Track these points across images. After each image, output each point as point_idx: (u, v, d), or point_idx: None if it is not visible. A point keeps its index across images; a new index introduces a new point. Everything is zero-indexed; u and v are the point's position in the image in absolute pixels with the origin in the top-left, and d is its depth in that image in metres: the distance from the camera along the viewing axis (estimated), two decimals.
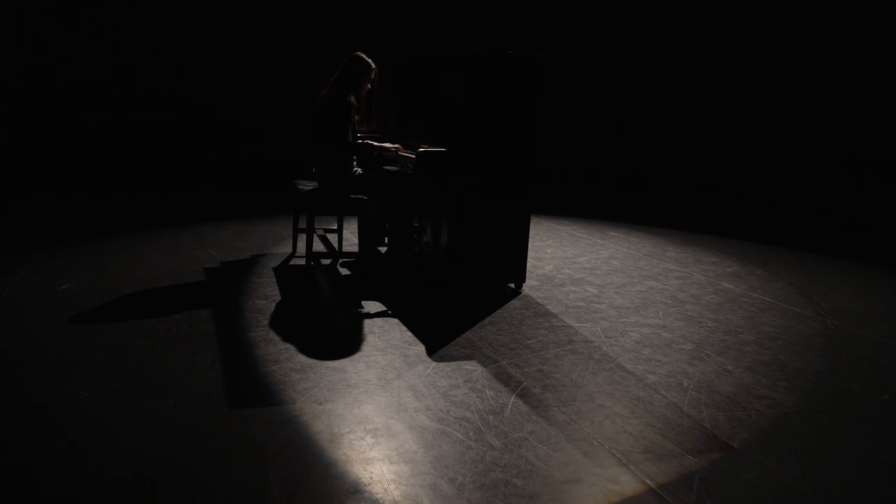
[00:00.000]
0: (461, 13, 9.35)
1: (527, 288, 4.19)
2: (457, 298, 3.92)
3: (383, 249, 4.93)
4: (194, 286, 3.95)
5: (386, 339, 3.20)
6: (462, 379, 2.79)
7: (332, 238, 5.14)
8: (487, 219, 3.93)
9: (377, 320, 3.48)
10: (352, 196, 4.17)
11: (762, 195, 8.57)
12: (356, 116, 4.23)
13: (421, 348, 3.11)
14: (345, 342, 3.16)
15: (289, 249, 4.90)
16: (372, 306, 3.70)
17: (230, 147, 9.15)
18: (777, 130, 8.49)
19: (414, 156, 3.90)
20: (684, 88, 9.39)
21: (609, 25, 9.80)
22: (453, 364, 2.94)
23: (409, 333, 3.30)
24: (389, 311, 3.63)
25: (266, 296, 3.80)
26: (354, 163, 4.27)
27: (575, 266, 4.86)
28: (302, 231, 4.47)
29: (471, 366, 2.93)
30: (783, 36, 8.31)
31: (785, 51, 8.32)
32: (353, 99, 4.11)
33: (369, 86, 4.28)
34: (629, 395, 2.73)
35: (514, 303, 3.90)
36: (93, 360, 2.82)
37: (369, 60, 4.20)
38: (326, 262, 4.54)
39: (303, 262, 4.53)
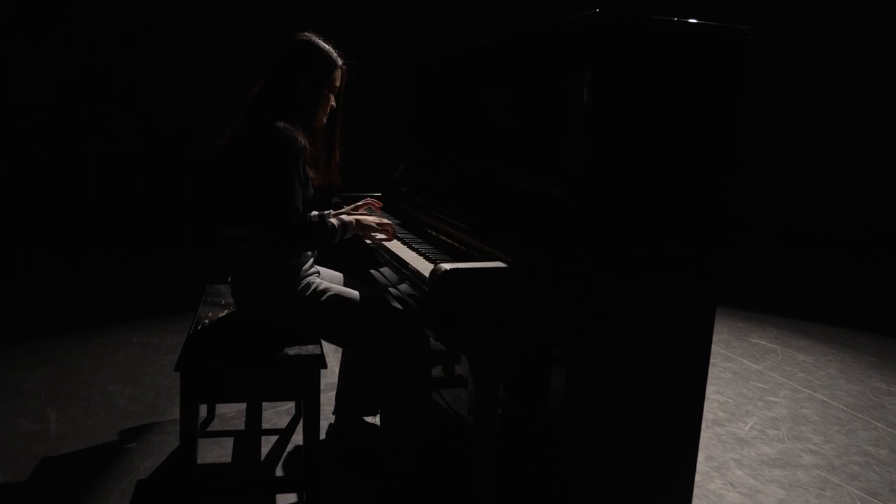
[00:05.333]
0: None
1: None
2: None
3: (376, 419, 2.59)
4: None
5: None
6: None
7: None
8: (604, 389, 1.65)
9: None
10: (290, 351, 1.88)
11: None
12: (309, 170, 1.98)
13: None
14: None
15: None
16: None
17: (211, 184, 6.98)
18: None
19: (427, 275, 1.62)
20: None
21: None
22: None
23: None
24: None
25: None
26: (310, 262, 2.03)
27: (744, 446, 2.51)
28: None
29: None
30: None
31: None
32: (300, 136, 1.85)
33: (333, 101, 2.02)
34: None
35: None
36: None
37: (328, 48, 1.95)
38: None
39: (220, 455, 2.27)
